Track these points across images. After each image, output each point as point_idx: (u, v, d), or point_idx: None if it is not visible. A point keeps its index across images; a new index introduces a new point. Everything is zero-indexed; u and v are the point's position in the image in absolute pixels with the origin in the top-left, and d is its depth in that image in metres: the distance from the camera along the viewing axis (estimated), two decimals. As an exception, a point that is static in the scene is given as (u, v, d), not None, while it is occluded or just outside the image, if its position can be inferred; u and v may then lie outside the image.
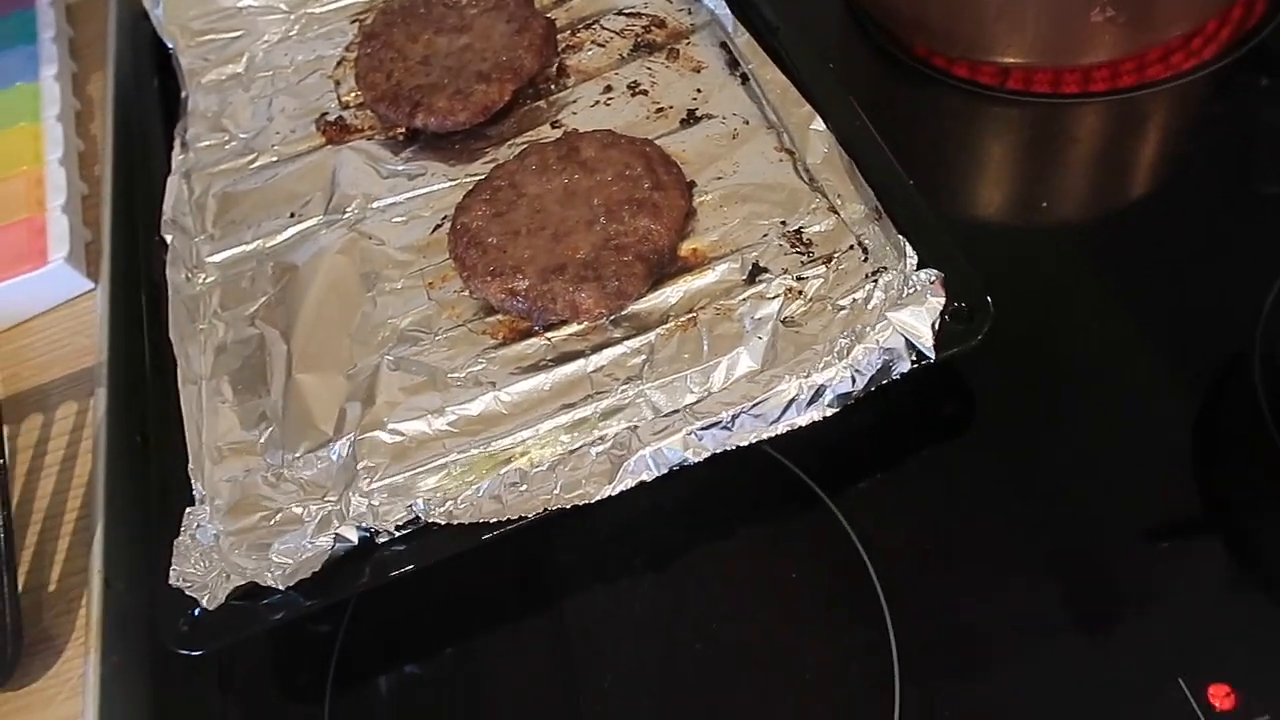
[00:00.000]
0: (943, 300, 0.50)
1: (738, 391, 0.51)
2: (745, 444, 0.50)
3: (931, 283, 0.50)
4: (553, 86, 0.71)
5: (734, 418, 0.50)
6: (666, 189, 0.60)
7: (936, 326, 0.50)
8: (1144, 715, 0.45)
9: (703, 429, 0.50)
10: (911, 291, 0.51)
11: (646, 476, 0.50)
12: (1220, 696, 0.44)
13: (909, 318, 0.50)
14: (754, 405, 0.50)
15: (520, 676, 0.52)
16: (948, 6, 0.65)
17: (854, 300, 0.54)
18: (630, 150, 0.62)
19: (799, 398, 0.50)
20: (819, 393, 0.50)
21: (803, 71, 0.64)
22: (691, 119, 0.66)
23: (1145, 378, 0.56)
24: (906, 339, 0.50)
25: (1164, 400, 0.55)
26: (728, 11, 0.67)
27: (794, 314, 0.55)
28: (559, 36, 0.73)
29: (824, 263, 0.56)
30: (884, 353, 0.50)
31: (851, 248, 0.56)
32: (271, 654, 0.54)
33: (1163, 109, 0.67)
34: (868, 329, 0.50)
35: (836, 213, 0.58)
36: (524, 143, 0.67)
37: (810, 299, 0.55)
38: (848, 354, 0.50)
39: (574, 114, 0.68)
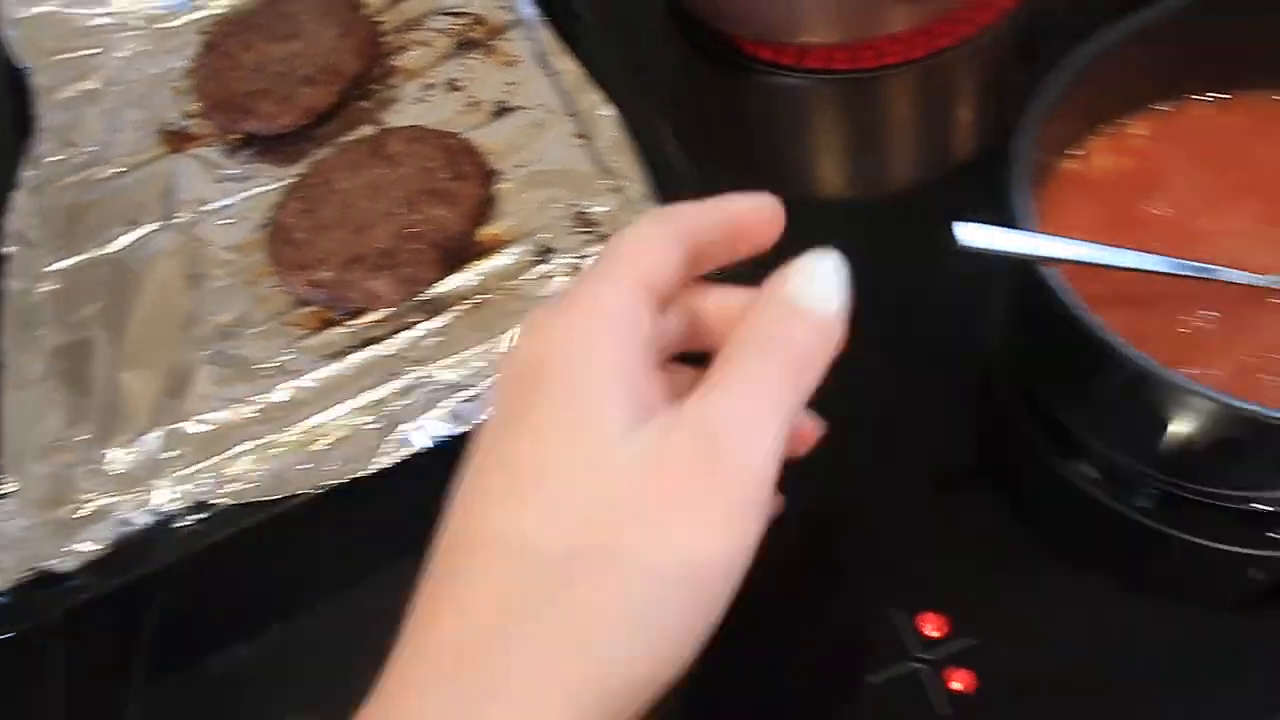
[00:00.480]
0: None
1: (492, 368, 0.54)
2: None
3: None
4: (378, 86, 0.74)
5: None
6: (465, 178, 0.63)
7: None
8: (863, 644, 0.47)
9: (464, 401, 0.53)
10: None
11: (409, 450, 0.53)
12: (930, 623, 0.47)
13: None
14: (512, 377, 0.53)
15: (318, 654, 0.55)
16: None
17: (627, 275, 0.56)
18: (433, 144, 0.65)
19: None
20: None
21: (598, 59, 0.66)
22: (502, 111, 0.69)
23: (932, 343, 0.58)
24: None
25: (949, 364, 0.57)
26: (530, 4, 0.70)
27: (576, 291, 0.57)
28: (388, 38, 0.76)
29: (605, 241, 0.59)
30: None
31: (629, 224, 0.59)
32: (83, 639, 0.57)
33: (958, 73, 0.70)
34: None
35: (620, 193, 0.61)
36: (348, 142, 0.70)
37: (591, 276, 0.58)
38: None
39: (396, 112, 0.71)
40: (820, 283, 0.31)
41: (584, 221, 0.61)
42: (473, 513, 0.29)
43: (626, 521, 0.27)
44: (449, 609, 0.28)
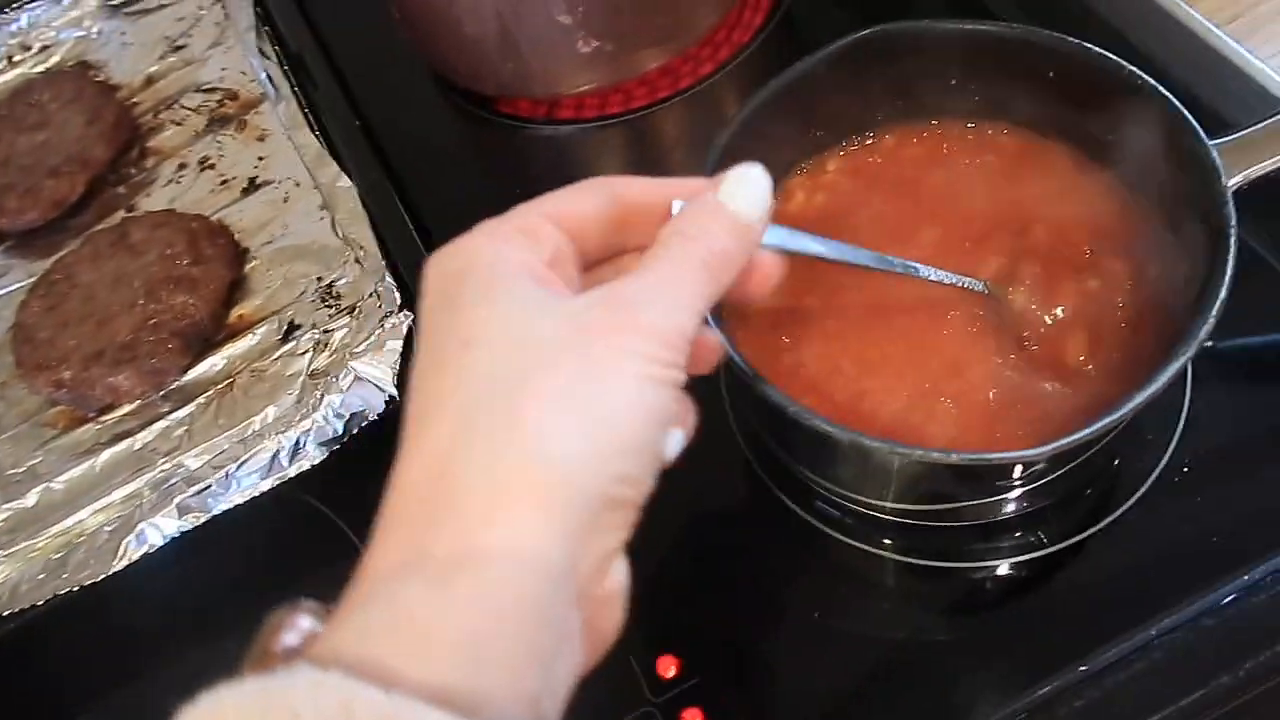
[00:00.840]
0: (400, 344, 0.53)
1: (232, 453, 0.54)
2: (241, 502, 0.53)
3: (395, 326, 0.54)
4: (133, 170, 0.73)
5: (227, 477, 0.53)
6: (207, 262, 0.63)
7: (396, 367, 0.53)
8: (604, 690, 0.48)
9: (196, 494, 0.53)
10: (389, 334, 0.55)
11: (149, 548, 0.52)
12: (667, 665, 0.48)
13: (369, 364, 0.53)
14: (240, 464, 0.53)
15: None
16: (466, 54, 0.68)
17: (366, 345, 0.57)
18: (178, 228, 0.64)
19: (283, 450, 0.53)
20: (301, 443, 0.53)
21: (334, 131, 0.67)
22: (252, 187, 0.69)
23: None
24: (374, 382, 0.53)
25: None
26: (265, 78, 0.70)
27: (321, 366, 0.58)
28: (143, 119, 0.75)
29: (349, 313, 0.59)
30: (356, 397, 0.53)
31: (370, 295, 0.59)
32: None
33: (703, 110, 0.71)
34: (342, 376, 0.54)
35: (360, 264, 0.61)
36: (95, 232, 0.69)
37: (334, 349, 0.58)
38: (321, 403, 0.53)
39: (148, 196, 0.71)
40: (747, 192, 0.34)
41: (329, 294, 0.61)
42: (421, 384, 0.30)
43: (554, 359, 0.29)
44: (413, 451, 0.29)
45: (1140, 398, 0.39)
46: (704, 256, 0.32)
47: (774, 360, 0.48)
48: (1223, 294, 0.41)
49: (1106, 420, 0.38)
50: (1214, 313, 0.40)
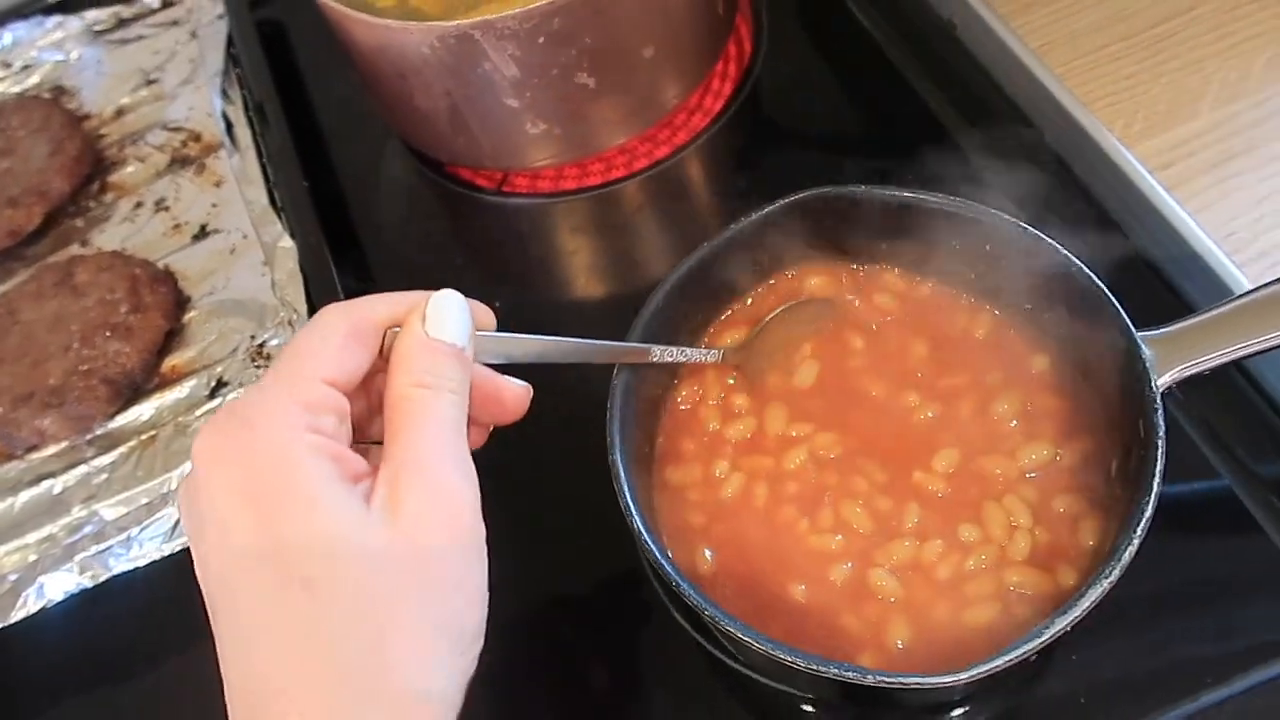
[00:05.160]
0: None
1: (137, 515, 0.55)
2: (145, 563, 0.54)
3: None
4: (92, 204, 0.74)
5: (129, 540, 0.54)
6: (146, 310, 0.64)
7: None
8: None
9: (99, 552, 0.54)
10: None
11: (47, 603, 0.53)
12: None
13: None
14: (143, 528, 0.54)
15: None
16: (419, 124, 0.69)
17: (285, 413, 0.58)
18: (118, 273, 0.65)
19: (187, 519, 0.54)
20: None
21: (280, 188, 0.68)
22: (203, 234, 0.70)
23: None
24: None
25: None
26: (224, 126, 0.71)
27: (243, 427, 0.59)
28: (108, 152, 0.76)
29: (276, 376, 0.60)
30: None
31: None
32: None
33: (678, 180, 0.72)
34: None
35: (293, 326, 0.62)
36: (42, 267, 0.70)
37: (257, 412, 0.59)
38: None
39: (102, 232, 0.72)
40: (451, 315, 0.35)
41: (259, 354, 0.62)
42: (255, 627, 0.31)
43: (397, 587, 0.31)
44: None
45: (1063, 622, 0.39)
46: (443, 392, 0.34)
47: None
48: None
49: (1022, 649, 0.38)
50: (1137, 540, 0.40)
